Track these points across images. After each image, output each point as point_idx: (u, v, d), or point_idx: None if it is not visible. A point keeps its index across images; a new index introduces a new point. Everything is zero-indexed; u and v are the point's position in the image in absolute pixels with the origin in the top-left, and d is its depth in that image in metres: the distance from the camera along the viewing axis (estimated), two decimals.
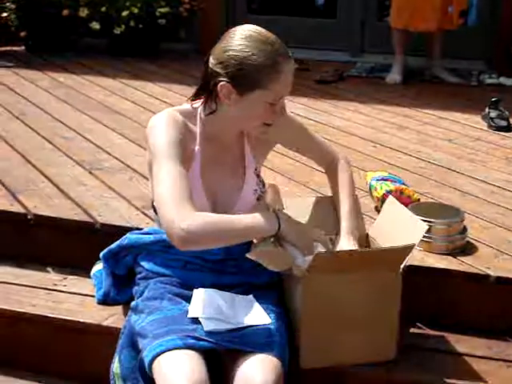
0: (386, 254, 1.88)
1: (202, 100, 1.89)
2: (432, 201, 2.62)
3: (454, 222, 2.27)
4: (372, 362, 1.94)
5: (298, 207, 2.05)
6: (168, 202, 1.70)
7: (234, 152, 1.96)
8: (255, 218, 1.76)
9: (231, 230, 1.73)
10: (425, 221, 2.11)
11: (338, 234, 1.98)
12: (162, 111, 1.89)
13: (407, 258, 1.87)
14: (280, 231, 1.78)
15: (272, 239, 1.79)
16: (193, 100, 1.91)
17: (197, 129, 1.89)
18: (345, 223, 1.99)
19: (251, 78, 1.76)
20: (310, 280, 1.81)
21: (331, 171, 2.10)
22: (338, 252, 1.89)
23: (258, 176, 1.99)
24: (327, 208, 2.08)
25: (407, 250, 1.84)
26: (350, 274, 1.84)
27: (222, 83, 1.77)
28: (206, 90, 1.85)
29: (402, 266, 1.88)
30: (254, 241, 1.82)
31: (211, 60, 1.81)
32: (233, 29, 1.82)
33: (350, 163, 2.13)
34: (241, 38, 1.77)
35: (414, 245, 1.84)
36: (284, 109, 1.86)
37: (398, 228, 1.98)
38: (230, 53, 1.76)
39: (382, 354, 1.95)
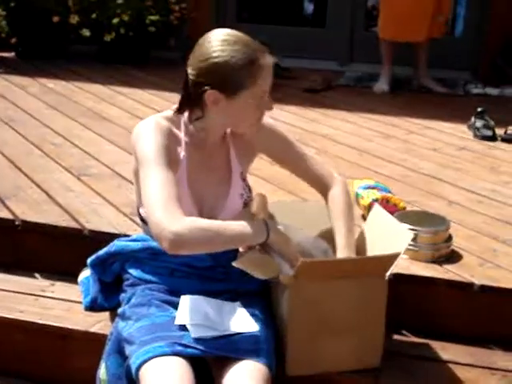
0: (372, 262, 1.90)
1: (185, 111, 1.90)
2: (418, 209, 2.65)
3: (440, 231, 2.29)
4: (358, 369, 1.95)
5: (283, 211, 2.06)
6: (157, 206, 1.71)
7: (220, 157, 1.97)
8: (245, 226, 1.77)
9: (220, 235, 1.74)
10: (411, 229, 2.14)
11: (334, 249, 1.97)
12: (146, 118, 1.90)
13: (393, 266, 1.89)
14: (268, 239, 1.80)
15: (258, 247, 1.81)
16: (179, 113, 1.91)
17: (182, 135, 1.90)
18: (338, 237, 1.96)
19: (235, 79, 1.78)
20: (297, 287, 1.82)
21: (326, 197, 2.04)
22: (324, 260, 1.91)
23: (244, 180, 2.00)
24: (313, 212, 2.09)
25: (393, 257, 1.86)
26: (336, 282, 1.85)
27: (208, 92, 1.79)
28: (190, 101, 1.86)
29: (387, 274, 1.90)
30: (241, 249, 1.83)
31: (191, 71, 1.82)
32: (204, 38, 1.84)
33: (346, 186, 2.06)
34: (216, 44, 1.79)
35: (399, 253, 1.86)
36: (271, 103, 1.87)
37: (384, 236, 2.00)
38: (210, 60, 1.78)
39: (368, 362, 1.96)
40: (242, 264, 1.79)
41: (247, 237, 1.77)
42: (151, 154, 1.79)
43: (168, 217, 1.69)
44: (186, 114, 1.91)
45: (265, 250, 1.81)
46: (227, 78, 1.78)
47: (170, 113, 1.93)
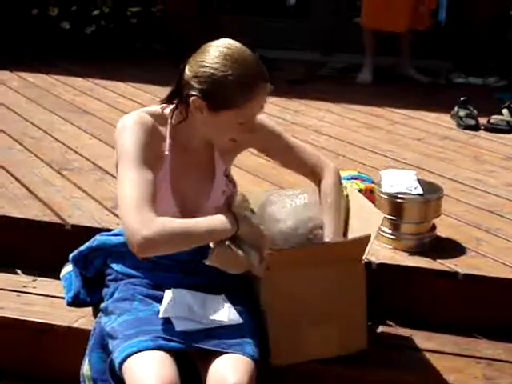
0: (344, 246, 1.89)
1: (172, 105, 1.87)
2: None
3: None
4: (344, 355, 1.94)
5: (259, 201, 2.04)
6: (129, 209, 1.68)
7: (203, 156, 1.94)
8: (214, 221, 1.74)
9: (190, 235, 1.71)
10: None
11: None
12: (131, 112, 1.87)
13: (368, 248, 1.87)
14: (239, 231, 1.76)
15: (228, 242, 1.78)
16: (164, 103, 1.88)
17: (167, 133, 1.87)
18: (327, 230, 1.96)
19: (224, 96, 1.73)
20: (269, 278, 1.82)
21: (318, 186, 2.03)
22: (293, 249, 1.89)
23: (227, 176, 1.98)
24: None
25: (365, 239, 1.85)
26: (310, 268, 1.84)
27: (194, 97, 1.75)
28: (179, 96, 1.83)
29: (363, 257, 1.89)
30: (211, 245, 1.81)
31: (187, 71, 1.78)
32: (210, 43, 1.79)
33: (338, 175, 2.06)
34: (218, 55, 1.74)
35: (370, 235, 1.85)
36: (253, 128, 1.83)
37: (358, 219, 1.99)
38: (206, 69, 1.73)
39: (354, 347, 1.95)
40: (212, 261, 1.77)
41: (217, 231, 1.73)
42: (130, 151, 1.76)
43: (138, 221, 1.65)
44: (170, 110, 1.87)
45: (235, 242, 1.78)
46: (217, 92, 1.73)
47: (156, 108, 1.89)
